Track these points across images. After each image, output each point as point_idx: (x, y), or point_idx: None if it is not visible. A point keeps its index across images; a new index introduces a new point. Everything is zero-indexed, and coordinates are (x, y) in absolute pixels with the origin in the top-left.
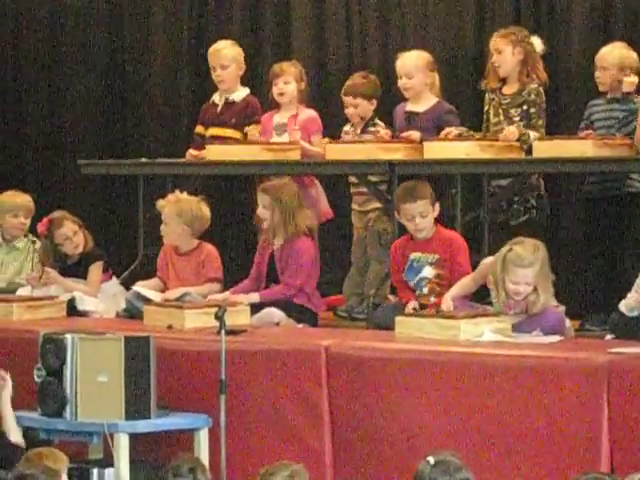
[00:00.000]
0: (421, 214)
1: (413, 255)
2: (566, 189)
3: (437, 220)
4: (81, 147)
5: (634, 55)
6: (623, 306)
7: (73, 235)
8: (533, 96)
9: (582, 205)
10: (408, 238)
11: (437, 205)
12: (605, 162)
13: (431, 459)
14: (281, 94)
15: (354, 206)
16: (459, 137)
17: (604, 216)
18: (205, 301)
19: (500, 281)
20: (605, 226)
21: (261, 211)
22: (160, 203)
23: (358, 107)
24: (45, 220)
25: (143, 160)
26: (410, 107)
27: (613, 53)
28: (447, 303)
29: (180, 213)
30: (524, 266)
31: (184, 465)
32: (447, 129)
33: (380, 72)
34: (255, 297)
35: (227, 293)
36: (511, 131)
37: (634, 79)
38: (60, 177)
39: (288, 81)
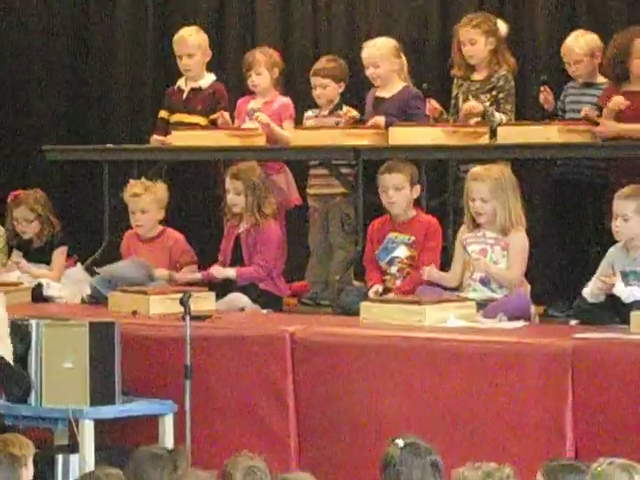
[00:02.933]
0: (395, 187)
1: (390, 235)
2: (532, 174)
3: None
4: (45, 133)
5: (595, 37)
6: (586, 293)
7: (24, 221)
8: (502, 82)
9: (547, 190)
10: (388, 218)
11: (417, 187)
12: (570, 148)
13: (400, 441)
14: (254, 85)
15: (311, 190)
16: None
17: (570, 201)
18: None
19: (465, 202)
20: (571, 211)
21: (232, 197)
22: (133, 192)
23: (326, 88)
24: (13, 195)
25: (108, 146)
26: (379, 93)
27: (580, 43)
28: (429, 272)
29: (158, 200)
30: (476, 180)
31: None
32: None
33: (346, 59)
34: (232, 272)
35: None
36: (473, 105)
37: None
38: (24, 163)
39: (260, 72)
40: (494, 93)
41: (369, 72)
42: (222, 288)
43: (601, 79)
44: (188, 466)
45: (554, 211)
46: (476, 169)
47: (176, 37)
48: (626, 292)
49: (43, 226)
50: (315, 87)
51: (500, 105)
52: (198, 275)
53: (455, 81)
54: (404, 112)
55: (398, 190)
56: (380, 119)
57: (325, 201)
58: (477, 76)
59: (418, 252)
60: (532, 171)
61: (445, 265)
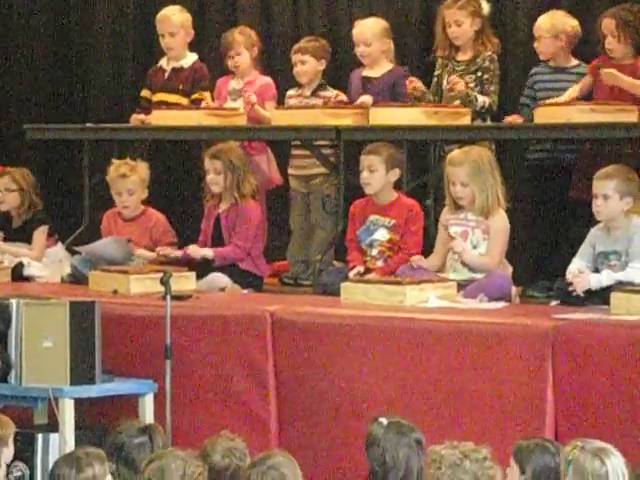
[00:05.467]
0: (369, 168)
1: (372, 217)
2: (512, 155)
3: (396, 187)
4: (26, 112)
5: (570, 22)
6: (569, 273)
7: (4, 189)
8: (487, 63)
9: (528, 172)
10: (369, 199)
11: (396, 171)
12: (549, 129)
13: (384, 420)
14: (235, 66)
15: (292, 171)
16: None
17: (549, 183)
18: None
19: (446, 185)
20: (549, 193)
21: (212, 177)
22: (121, 172)
23: (306, 64)
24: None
25: (88, 125)
26: (366, 73)
27: (545, 21)
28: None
29: (142, 180)
30: (453, 164)
31: (136, 426)
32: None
33: (327, 39)
34: (209, 252)
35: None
36: (456, 79)
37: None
38: (5, 142)
39: (239, 52)
40: (479, 74)
41: (359, 50)
42: (202, 268)
43: (574, 62)
44: (167, 444)
45: (535, 191)
46: (454, 153)
47: (159, 15)
48: (595, 280)
49: (24, 201)
50: (296, 64)
51: (484, 86)
52: (179, 252)
53: (439, 60)
54: (393, 92)
55: (372, 172)
56: (368, 98)
57: (306, 181)
58: (462, 57)
59: (399, 235)
60: (512, 150)
61: (427, 247)
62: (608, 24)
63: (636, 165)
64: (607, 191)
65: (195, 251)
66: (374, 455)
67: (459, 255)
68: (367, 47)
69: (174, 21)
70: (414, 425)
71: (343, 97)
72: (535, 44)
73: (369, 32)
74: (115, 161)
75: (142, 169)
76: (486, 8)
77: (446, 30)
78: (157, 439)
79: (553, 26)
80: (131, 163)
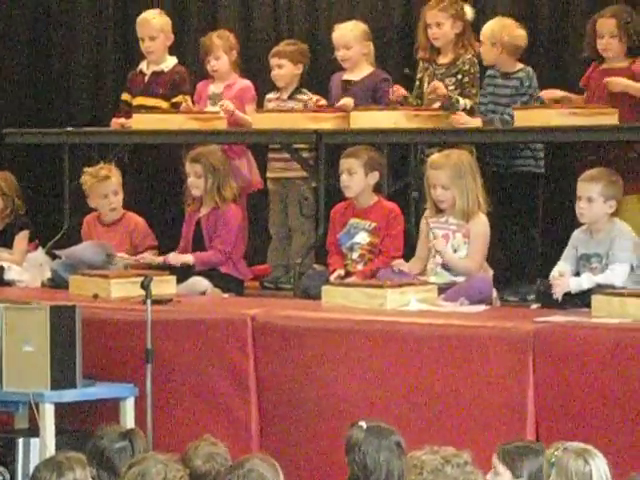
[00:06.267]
0: (348, 171)
1: (352, 220)
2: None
3: (376, 190)
4: (5, 116)
5: (513, 31)
6: (551, 276)
7: None
8: (467, 66)
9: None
10: (350, 203)
11: (375, 174)
12: (529, 133)
13: (363, 424)
14: (214, 71)
15: (270, 174)
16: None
17: (508, 191)
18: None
19: (427, 188)
20: (510, 201)
21: (192, 181)
22: (104, 175)
23: (282, 68)
24: None
25: (68, 129)
26: (346, 76)
27: (487, 27)
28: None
29: (120, 182)
30: (434, 168)
31: (117, 431)
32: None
33: (307, 43)
34: (189, 258)
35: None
36: (438, 85)
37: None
38: None
39: (218, 56)
40: (459, 77)
41: (340, 54)
42: (183, 272)
43: (518, 66)
44: (147, 449)
45: (499, 199)
46: (435, 156)
47: (139, 19)
48: (575, 283)
49: (6, 205)
50: (273, 68)
51: (465, 89)
52: (160, 258)
53: (420, 64)
54: (373, 95)
55: (350, 174)
56: (349, 101)
57: (284, 185)
58: (442, 59)
59: (380, 239)
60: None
61: (407, 250)
62: (607, 24)
63: (619, 168)
64: (591, 194)
65: (176, 259)
66: (354, 459)
67: (440, 254)
68: (347, 51)
69: (154, 25)
70: (394, 428)
71: (323, 101)
72: (480, 49)
73: (349, 35)
74: (88, 169)
75: (116, 172)
76: (470, 13)
77: (427, 32)
78: (138, 444)
79: (492, 34)
80: (107, 166)
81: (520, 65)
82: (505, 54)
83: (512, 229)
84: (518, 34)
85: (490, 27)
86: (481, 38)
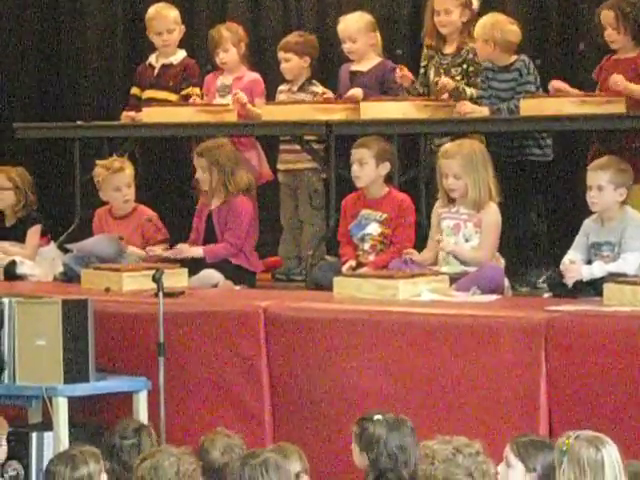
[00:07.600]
0: (359, 161)
1: (363, 211)
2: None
3: (387, 181)
4: (16, 110)
5: (505, 28)
6: (562, 264)
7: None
8: (472, 55)
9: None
10: (360, 194)
11: (387, 164)
12: (536, 122)
13: (379, 417)
14: (223, 63)
15: (280, 166)
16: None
17: (515, 180)
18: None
19: (439, 178)
20: (517, 189)
21: (199, 175)
22: (118, 167)
23: (289, 62)
24: None
25: (79, 123)
26: (354, 67)
27: (480, 24)
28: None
29: (132, 173)
30: (446, 157)
31: (130, 427)
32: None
33: (317, 34)
34: (199, 251)
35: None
36: (446, 81)
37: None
38: None
39: (227, 48)
40: (464, 67)
41: (346, 46)
42: (195, 265)
43: (513, 58)
44: (153, 444)
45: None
46: (447, 146)
47: (153, 13)
48: (586, 271)
49: (19, 199)
50: (280, 61)
51: (470, 78)
52: (168, 252)
53: (425, 51)
54: (382, 85)
55: (361, 165)
56: (358, 91)
57: (294, 176)
58: (448, 49)
59: (392, 229)
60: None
61: (419, 240)
62: (607, 16)
63: (625, 158)
64: (601, 182)
65: (185, 250)
66: (380, 452)
67: (451, 254)
68: (353, 43)
69: (171, 18)
70: (406, 418)
71: (330, 95)
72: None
73: (353, 28)
74: (100, 161)
75: (129, 164)
76: (476, 3)
77: (434, 18)
78: (151, 439)
79: (483, 30)
80: (119, 158)
81: (515, 56)
82: (498, 50)
83: (519, 217)
84: (510, 30)
85: (482, 24)
86: (475, 35)
